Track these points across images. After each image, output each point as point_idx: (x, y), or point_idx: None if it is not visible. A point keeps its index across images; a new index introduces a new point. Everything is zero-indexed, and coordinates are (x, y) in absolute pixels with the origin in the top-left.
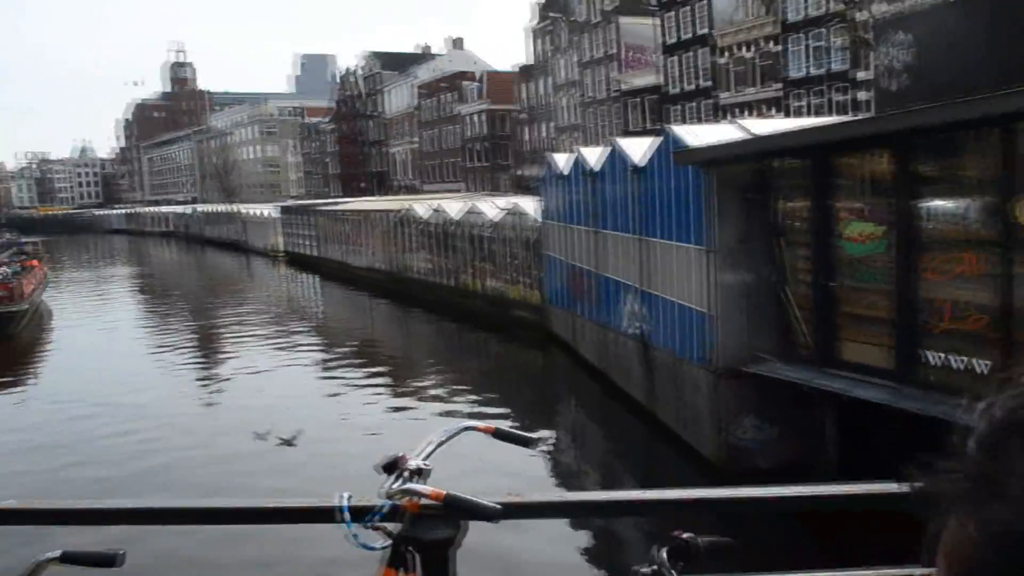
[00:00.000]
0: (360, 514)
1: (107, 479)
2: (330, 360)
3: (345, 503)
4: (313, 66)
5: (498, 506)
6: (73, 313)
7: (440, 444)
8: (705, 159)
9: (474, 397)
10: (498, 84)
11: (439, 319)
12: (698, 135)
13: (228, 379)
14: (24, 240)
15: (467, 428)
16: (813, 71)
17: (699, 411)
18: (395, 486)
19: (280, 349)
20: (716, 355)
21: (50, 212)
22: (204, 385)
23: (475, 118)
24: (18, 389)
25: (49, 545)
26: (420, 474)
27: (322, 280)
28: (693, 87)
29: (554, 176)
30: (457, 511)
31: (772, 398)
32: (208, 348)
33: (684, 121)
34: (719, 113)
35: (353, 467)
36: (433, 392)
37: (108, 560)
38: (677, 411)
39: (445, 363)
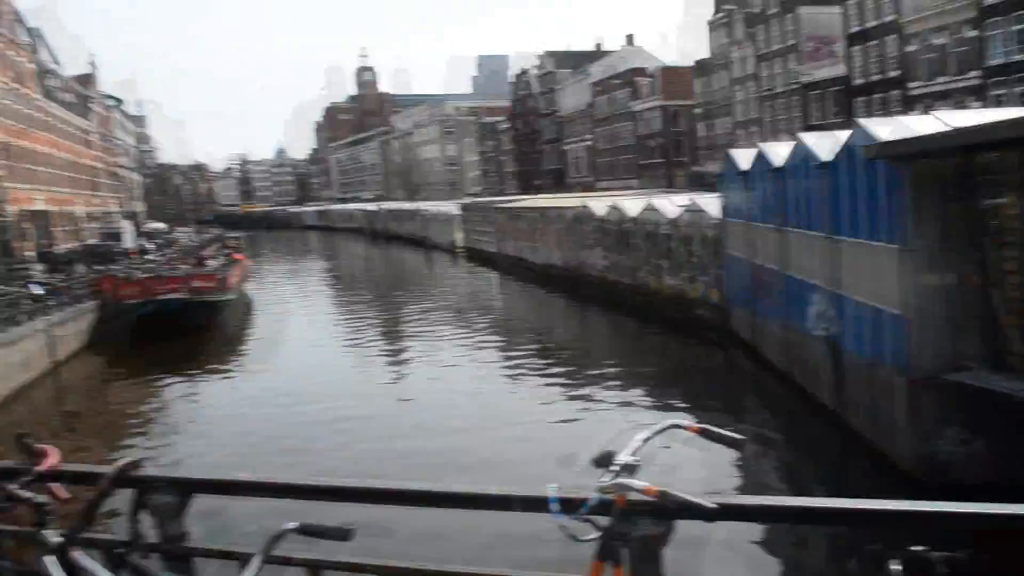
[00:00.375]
0: (569, 506)
1: (311, 460)
2: (509, 354)
3: (554, 495)
4: (490, 67)
5: (715, 506)
6: (272, 302)
7: (647, 440)
8: (900, 153)
9: (654, 396)
10: (672, 80)
11: (616, 316)
12: (891, 128)
13: (412, 366)
14: (228, 235)
15: (673, 425)
16: (1017, 56)
17: (894, 419)
18: (607, 480)
19: (461, 342)
20: (913, 360)
21: (251, 209)
22: (392, 374)
23: (649, 114)
24: (227, 372)
25: (271, 515)
26: (630, 470)
27: (500, 275)
28: (880, 77)
29: (735, 173)
30: (671, 508)
31: (978, 409)
32: (393, 337)
33: (871, 114)
34: (909, 104)
35: (536, 461)
36: (612, 390)
37: (341, 534)
38: (869, 417)
39: (623, 361)
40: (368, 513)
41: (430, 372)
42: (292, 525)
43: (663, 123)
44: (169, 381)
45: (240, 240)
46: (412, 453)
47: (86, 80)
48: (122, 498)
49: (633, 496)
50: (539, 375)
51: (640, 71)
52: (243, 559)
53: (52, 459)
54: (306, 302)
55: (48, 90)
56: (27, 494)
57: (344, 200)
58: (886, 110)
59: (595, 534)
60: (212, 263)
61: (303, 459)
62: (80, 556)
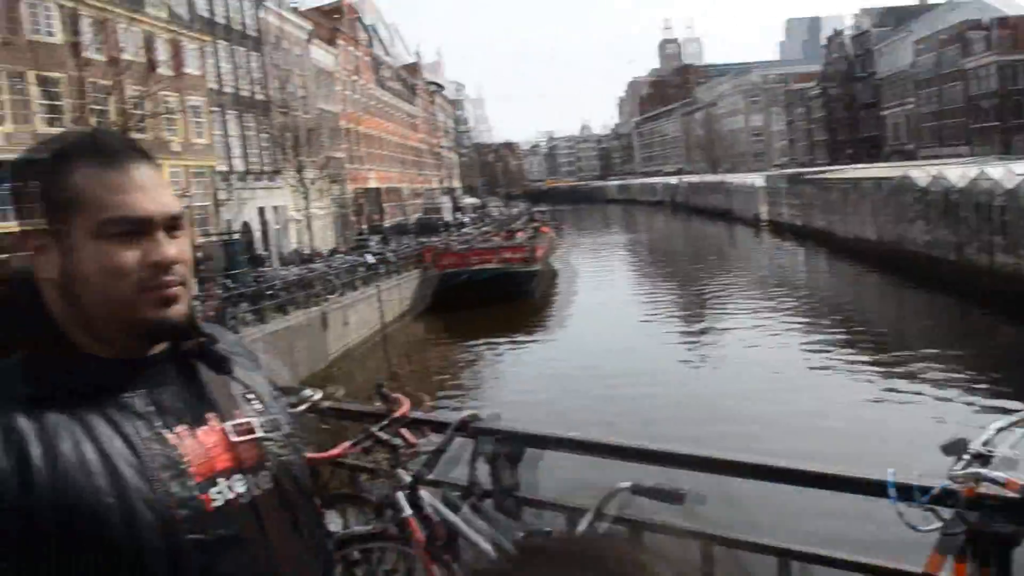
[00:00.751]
0: (909, 492)
1: (612, 422)
2: (817, 334)
3: (892, 479)
4: (799, 30)
5: None
6: (575, 273)
7: (1002, 429)
8: None
9: (985, 386)
10: (1013, 31)
11: (937, 297)
12: None
13: (714, 341)
14: (535, 209)
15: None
16: None
17: None
18: (961, 469)
19: (764, 319)
20: None
21: (555, 184)
22: (694, 348)
23: (983, 72)
24: (536, 337)
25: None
26: (982, 459)
27: (805, 250)
28: None
29: None
30: None
31: None
32: (695, 312)
33: None
34: None
35: (853, 446)
36: (932, 377)
37: (674, 497)
38: None
39: (948, 347)
40: (694, 481)
41: (731, 348)
42: (626, 484)
43: (1000, 81)
44: (483, 344)
45: (546, 214)
46: (717, 431)
47: (412, 69)
48: (461, 446)
49: (986, 488)
50: (851, 356)
51: (974, 23)
52: (571, 512)
53: (404, 407)
54: (607, 274)
55: (381, 79)
56: (385, 436)
57: (646, 174)
58: None
59: (936, 525)
60: (521, 236)
61: (609, 427)
62: (425, 494)
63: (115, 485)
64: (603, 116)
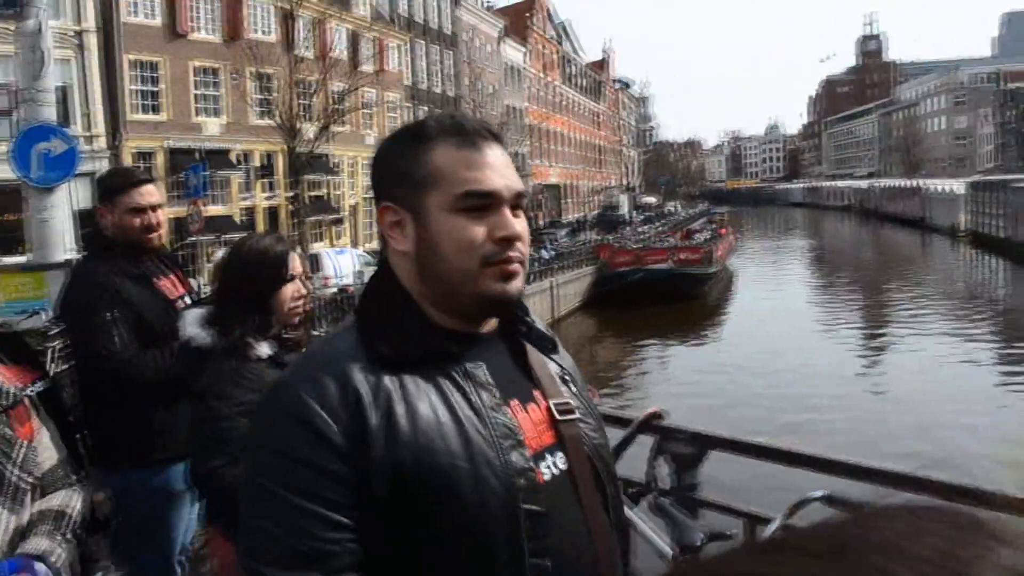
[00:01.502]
0: None
1: (786, 430)
2: (1008, 357)
3: None
4: (1018, 23)
5: None
6: (753, 277)
7: None
8: None
9: None
10: None
11: None
12: None
13: (895, 363)
14: (715, 210)
15: None
16: None
17: None
18: None
19: (952, 337)
20: None
21: (737, 185)
22: (872, 363)
23: None
24: (708, 340)
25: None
26: None
27: (1011, 264)
28: None
29: None
30: None
31: None
32: (876, 326)
33: None
34: None
35: None
36: None
37: None
38: None
39: None
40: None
41: (918, 365)
42: (819, 493)
43: None
44: (654, 342)
45: (726, 215)
46: (897, 447)
47: (600, 66)
48: (641, 443)
49: None
50: None
51: None
52: (751, 518)
53: None
54: (786, 280)
55: (568, 76)
56: None
57: (835, 177)
58: None
59: None
60: (699, 237)
61: (780, 435)
62: None
63: (467, 449)
64: (791, 116)
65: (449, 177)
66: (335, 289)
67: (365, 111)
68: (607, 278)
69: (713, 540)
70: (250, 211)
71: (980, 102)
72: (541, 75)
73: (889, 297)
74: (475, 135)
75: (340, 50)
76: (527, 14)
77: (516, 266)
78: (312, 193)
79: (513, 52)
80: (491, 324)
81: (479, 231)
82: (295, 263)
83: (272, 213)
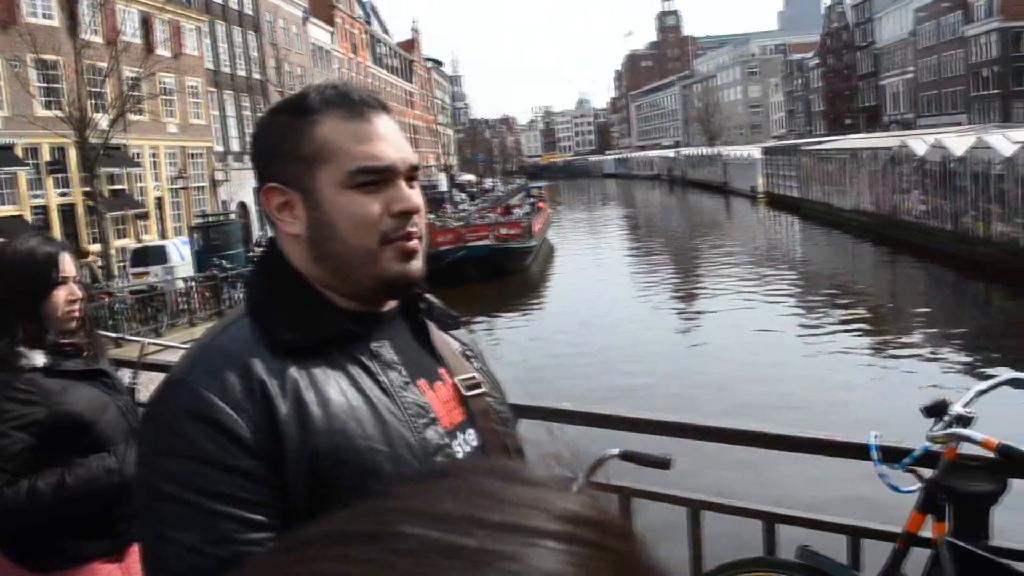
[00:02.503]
0: (891, 455)
1: (606, 393)
2: (812, 304)
3: (875, 442)
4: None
5: None
6: (572, 249)
7: (983, 392)
8: None
9: (976, 356)
10: None
11: (933, 267)
12: None
13: (707, 314)
14: (532, 185)
15: (1014, 379)
16: None
17: None
18: (939, 430)
19: (758, 291)
20: None
21: (552, 160)
22: (686, 320)
23: (984, 39)
24: (531, 312)
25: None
26: (964, 421)
27: (803, 222)
28: None
29: None
30: (1009, 464)
31: None
32: (690, 285)
33: None
34: None
35: (840, 412)
36: (926, 347)
37: (662, 463)
38: None
39: (941, 315)
40: (676, 448)
41: (725, 318)
42: (614, 451)
43: (1001, 48)
44: (478, 319)
45: (542, 189)
46: (708, 398)
47: (410, 46)
48: None
49: (966, 449)
50: (844, 325)
51: None
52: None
53: None
54: (603, 248)
55: (378, 57)
56: None
57: (644, 148)
58: None
59: (918, 486)
60: (518, 212)
61: (602, 396)
62: None
63: (383, 431)
64: (600, 91)
65: (340, 152)
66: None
67: (164, 98)
68: (429, 258)
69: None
70: (43, 210)
71: (770, 72)
72: (350, 56)
73: (699, 258)
74: (362, 105)
75: (131, 33)
76: None
77: (415, 243)
78: (112, 187)
79: (320, 33)
80: (391, 303)
81: (376, 206)
82: (66, 265)
83: (68, 210)
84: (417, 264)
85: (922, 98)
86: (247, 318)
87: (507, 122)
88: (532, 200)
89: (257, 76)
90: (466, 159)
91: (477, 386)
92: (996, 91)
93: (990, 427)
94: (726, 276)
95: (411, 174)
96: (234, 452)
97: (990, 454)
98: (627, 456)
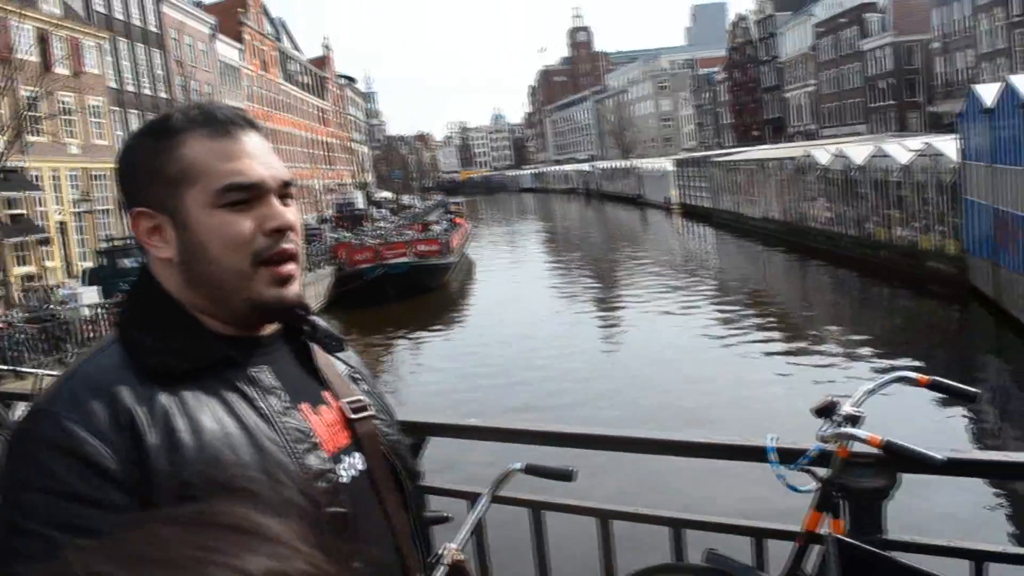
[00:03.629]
0: (787, 456)
1: (528, 406)
2: (724, 310)
3: (771, 444)
4: (706, 15)
5: (943, 458)
6: (491, 264)
7: (872, 392)
8: None
9: (879, 355)
10: (906, 12)
11: (839, 271)
12: None
13: (625, 323)
14: (450, 201)
15: (901, 378)
16: None
17: None
18: (829, 430)
19: (674, 298)
20: None
21: (470, 175)
22: (606, 330)
23: (879, 52)
24: (450, 328)
25: (496, 459)
26: (853, 420)
27: (715, 231)
28: None
29: (977, 110)
30: (895, 459)
31: None
32: (607, 294)
33: None
34: None
35: (751, 414)
36: (835, 347)
37: (565, 475)
38: None
39: (846, 318)
40: (589, 459)
41: (643, 328)
42: (518, 465)
43: (895, 61)
44: (398, 337)
45: (461, 205)
46: (624, 407)
47: (321, 62)
48: None
49: (856, 447)
50: (756, 331)
51: (870, 6)
52: (472, 498)
53: None
54: (523, 262)
55: (289, 74)
56: None
57: (559, 162)
58: None
59: (814, 485)
60: (436, 228)
61: (521, 411)
62: None
63: (260, 459)
64: (515, 106)
65: (206, 171)
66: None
67: (64, 117)
68: (347, 276)
69: (432, 524)
70: None
71: (680, 86)
72: (260, 73)
73: (618, 269)
74: (228, 123)
75: (26, 51)
76: (239, 10)
77: (291, 266)
78: (10, 211)
79: (228, 50)
80: (272, 326)
81: (247, 225)
82: None
83: None
84: (293, 288)
85: (823, 109)
86: (116, 344)
87: (423, 138)
88: (450, 216)
89: (163, 94)
90: (383, 176)
91: (363, 409)
92: (892, 102)
93: (894, 423)
94: (645, 287)
95: (284, 191)
96: (98, 484)
97: (876, 451)
98: (531, 470)
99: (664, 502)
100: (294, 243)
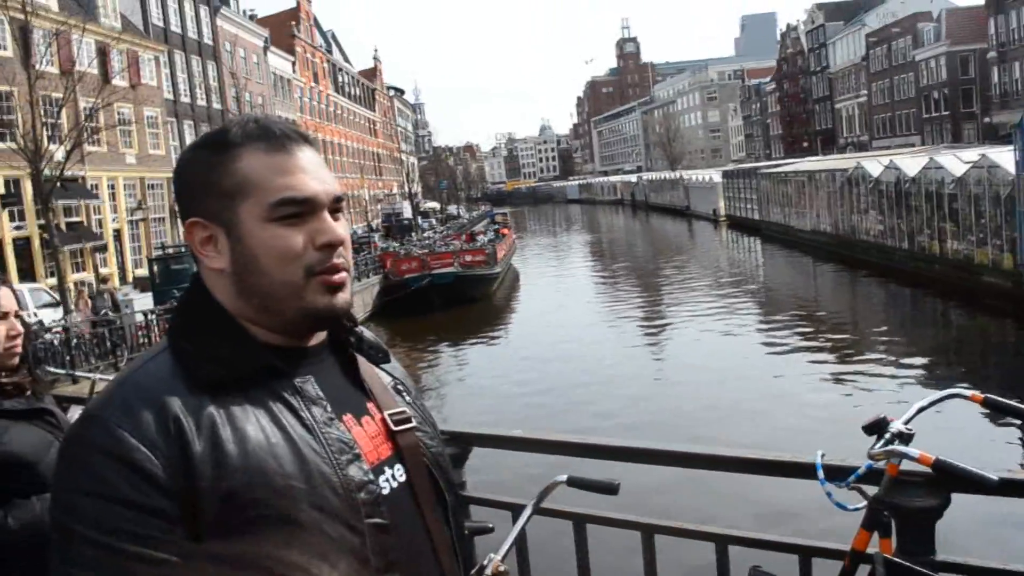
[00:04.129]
0: (835, 473)
1: (571, 418)
2: (772, 325)
3: (819, 460)
4: (755, 26)
5: (997, 479)
6: (536, 275)
7: (924, 408)
8: None
9: (932, 369)
10: (961, 22)
11: (891, 285)
12: None
13: (670, 336)
14: (496, 211)
15: (954, 395)
16: None
17: None
18: (880, 448)
19: (721, 311)
20: None
21: (516, 186)
22: (651, 343)
23: (933, 63)
24: (496, 339)
25: (541, 468)
26: (904, 438)
27: (763, 243)
28: None
29: None
30: (946, 478)
31: None
32: (652, 307)
33: None
34: None
35: (799, 430)
36: (885, 363)
37: (609, 488)
38: None
39: (897, 332)
40: (633, 473)
41: (688, 341)
42: (562, 478)
43: (949, 71)
44: (443, 347)
45: (507, 216)
46: (668, 420)
47: (371, 74)
48: None
49: (906, 465)
50: (804, 346)
51: (923, 15)
52: (515, 509)
53: None
54: (568, 273)
55: (340, 85)
56: None
57: (606, 173)
58: None
59: (863, 503)
60: (482, 238)
61: (565, 422)
62: None
63: (302, 468)
64: (562, 118)
65: (261, 185)
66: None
67: (122, 128)
68: (394, 286)
69: (473, 534)
70: None
71: (728, 97)
72: (312, 85)
73: (666, 282)
74: (284, 138)
75: (87, 64)
76: (292, 23)
77: (342, 275)
78: (69, 219)
79: (280, 62)
80: (319, 337)
81: (299, 239)
82: (4, 299)
83: (23, 244)
84: (344, 296)
85: (876, 120)
86: (166, 353)
87: (470, 149)
88: (496, 226)
89: (217, 105)
90: (429, 186)
91: (406, 421)
92: (946, 113)
93: (935, 441)
94: (691, 299)
95: (335, 206)
96: (146, 490)
97: (926, 469)
98: (574, 482)
99: (710, 519)
100: (344, 258)
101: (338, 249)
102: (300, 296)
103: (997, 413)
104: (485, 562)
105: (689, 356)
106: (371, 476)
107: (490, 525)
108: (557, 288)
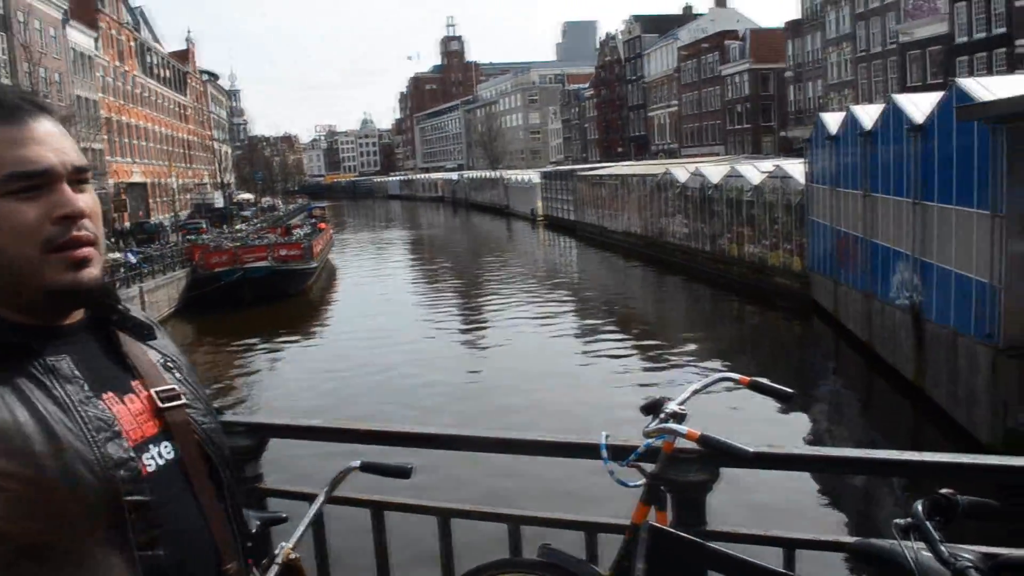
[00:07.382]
0: (619, 453)
1: (385, 410)
2: (582, 320)
3: (604, 441)
4: (576, 33)
5: (752, 452)
6: (355, 270)
7: (697, 391)
8: (998, 114)
9: (727, 363)
10: (763, 42)
11: (694, 285)
12: (989, 88)
13: (486, 332)
14: (314, 205)
15: (724, 378)
16: None
17: (976, 391)
18: (654, 426)
19: (535, 309)
20: (1000, 331)
21: (336, 180)
22: (466, 338)
23: (738, 78)
24: (307, 336)
25: (344, 457)
26: (677, 417)
27: (578, 243)
28: (984, 35)
29: (823, 137)
30: (712, 453)
31: None
32: (469, 304)
33: (972, 74)
34: (1016, 64)
35: (598, 417)
36: (685, 356)
37: (401, 472)
38: (949, 389)
39: (698, 329)
40: (429, 458)
41: (503, 337)
42: (355, 464)
43: (752, 87)
44: (251, 344)
45: (325, 210)
46: (479, 410)
47: (183, 56)
48: None
49: (680, 443)
50: (611, 341)
51: (730, 34)
52: (312, 499)
53: None
54: (387, 270)
55: (148, 66)
56: None
57: (428, 170)
58: (990, 70)
59: (642, 480)
60: (298, 232)
61: (375, 415)
62: None
63: (54, 447)
64: (385, 112)
65: None
66: None
67: None
68: (202, 280)
69: (267, 525)
70: None
71: (549, 100)
72: (116, 64)
73: (481, 279)
74: (15, 108)
75: None
76: None
77: (87, 250)
78: None
79: (81, 38)
80: (77, 315)
81: (33, 213)
82: None
83: None
84: (91, 272)
85: (685, 129)
86: None
87: (288, 140)
88: (314, 221)
89: (6, 81)
90: (244, 177)
91: (175, 398)
92: (748, 125)
93: (708, 421)
94: (505, 294)
95: (77, 176)
96: None
97: (695, 445)
98: (367, 467)
99: (503, 501)
100: (89, 231)
101: (80, 222)
102: (39, 273)
103: (762, 394)
104: (276, 551)
105: (499, 348)
106: (132, 454)
107: (284, 515)
108: (374, 284)
